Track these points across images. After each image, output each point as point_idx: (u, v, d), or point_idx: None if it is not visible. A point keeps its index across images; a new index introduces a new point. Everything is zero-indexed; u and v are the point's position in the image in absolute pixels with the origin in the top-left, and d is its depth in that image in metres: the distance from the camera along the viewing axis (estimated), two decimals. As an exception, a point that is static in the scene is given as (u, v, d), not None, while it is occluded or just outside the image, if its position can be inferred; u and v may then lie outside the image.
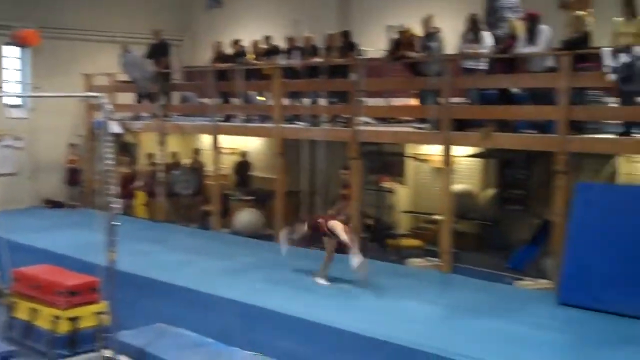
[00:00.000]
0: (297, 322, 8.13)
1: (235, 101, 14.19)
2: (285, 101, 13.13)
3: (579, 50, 9.32)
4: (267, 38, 14.08)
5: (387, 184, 12.71)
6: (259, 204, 14.01)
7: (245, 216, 13.76)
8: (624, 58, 8.85)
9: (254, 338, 8.11)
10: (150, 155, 15.68)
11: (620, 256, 8.44)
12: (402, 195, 13.11)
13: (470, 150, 11.62)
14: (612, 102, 9.71)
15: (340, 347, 7.65)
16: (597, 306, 8.39)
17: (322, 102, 12.41)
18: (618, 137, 9.26)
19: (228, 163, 15.08)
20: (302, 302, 8.82)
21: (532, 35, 9.88)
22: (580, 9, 9.84)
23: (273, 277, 10.01)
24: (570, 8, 10.17)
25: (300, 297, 9.05)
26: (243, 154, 15.14)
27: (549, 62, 9.88)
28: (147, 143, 15.80)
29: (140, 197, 15.47)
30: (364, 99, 11.55)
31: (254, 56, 13.96)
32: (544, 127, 10.00)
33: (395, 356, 7.23)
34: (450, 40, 10.93)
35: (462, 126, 10.53)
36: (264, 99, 14.17)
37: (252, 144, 15.31)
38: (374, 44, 12.30)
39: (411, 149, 12.85)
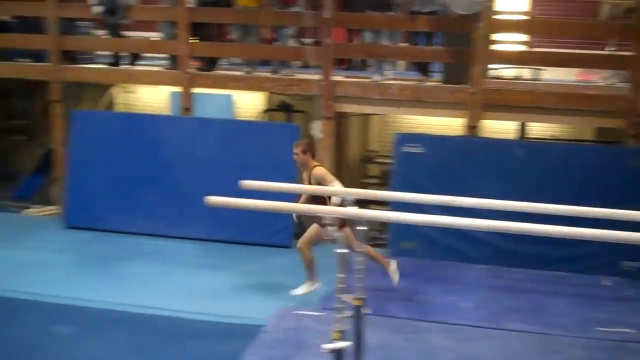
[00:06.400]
0: None
1: None
2: None
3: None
4: None
5: None
6: None
7: None
8: (107, -9, 9.37)
9: None
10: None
11: (118, 178, 9.11)
12: None
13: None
14: (102, 34, 10.27)
15: None
16: (101, 226, 9.04)
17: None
18: (108, 67, 9.87)
19: None
20: None
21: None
22: None
23: None
24: None
25: None
26: None
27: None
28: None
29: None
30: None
31: None
32: (39, 56, 10.01)
33: None
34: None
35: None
36: None
37: None
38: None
39: None
